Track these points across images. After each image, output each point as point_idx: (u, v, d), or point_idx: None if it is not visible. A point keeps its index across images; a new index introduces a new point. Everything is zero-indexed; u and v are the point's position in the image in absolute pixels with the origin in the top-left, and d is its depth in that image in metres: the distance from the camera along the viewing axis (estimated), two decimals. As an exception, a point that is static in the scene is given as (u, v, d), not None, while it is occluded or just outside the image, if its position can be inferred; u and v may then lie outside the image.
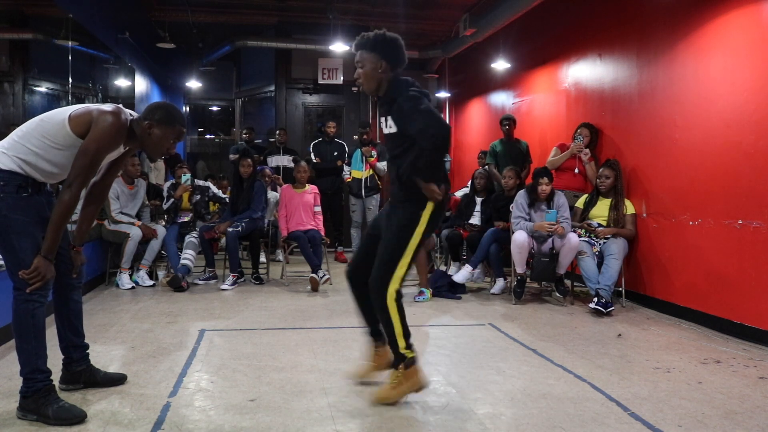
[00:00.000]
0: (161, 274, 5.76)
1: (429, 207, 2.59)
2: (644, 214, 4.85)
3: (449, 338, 3.74)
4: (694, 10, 4.31)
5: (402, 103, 2.55)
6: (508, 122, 6.37)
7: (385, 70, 2.63)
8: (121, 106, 2.49)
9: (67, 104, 4.98)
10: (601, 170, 4.99)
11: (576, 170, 5.40)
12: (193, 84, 9.77)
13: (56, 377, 2.58)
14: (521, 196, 4.98)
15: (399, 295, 2.60)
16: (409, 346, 2.62)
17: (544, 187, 4.84)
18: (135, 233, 5.29)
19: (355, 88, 8.60)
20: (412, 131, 2.52)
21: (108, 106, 2.43)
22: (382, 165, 6.89)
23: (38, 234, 2.37)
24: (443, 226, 5.84)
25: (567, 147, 5.46)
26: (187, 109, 11.08)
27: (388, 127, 2.66)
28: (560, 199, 4.89)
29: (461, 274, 5.18)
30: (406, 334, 2.61)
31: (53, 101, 5.16)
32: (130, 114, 2.52)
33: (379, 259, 2.62)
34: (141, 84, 7.90)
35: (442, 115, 2.57)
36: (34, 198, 2.40)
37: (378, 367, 2.84)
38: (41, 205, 2.44)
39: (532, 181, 4.93)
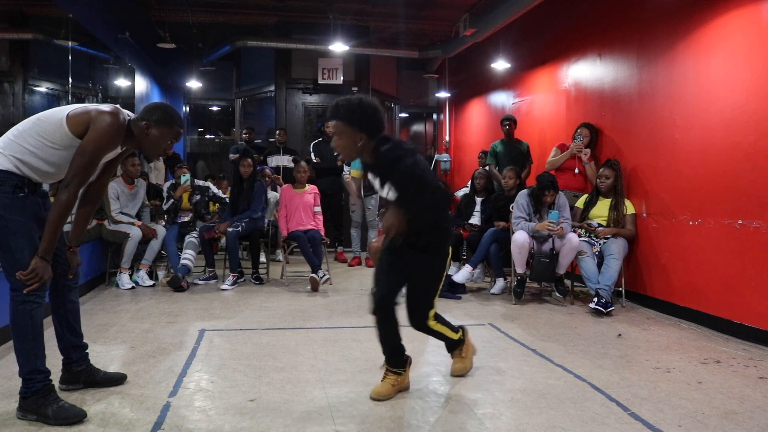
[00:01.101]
0: (161, 274, 5.76)
1: (449, 252, 2.84)
2: (644, 214, 4.85)
3: (449, 338, 3.74)
4: (694, 10, 4.31)
5: (403, 172, 2.48)
6: (508, 122, 6.37)
7: (364, 141, 2.53)
8: (119, 106, 2.49)
9: (67, 104, 4.97)
10: (601, 170, 4.99)
11: (576, 170, 5.40)
12: (193, 84, 9.77)
13: (56, 377, 2.58)
14: (522, 197, 4.98)
15: (436, 315, 2.90)
16: (457, 331, 3.00)
17: (548, 199, 4.83)
18: (135, 233, 5.29)
19: (355, 88, 8.60)
20: (414, 200, 2.52)
21: (106, 107, 2.42)
22: None
23: (35, 234, 2.37)
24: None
25: (567, 147, 5.46)
26: (187, 109, 11.07)
27: (386, 191, 2.62)
28: (560, 199, 4.89)
29: (461, 274, 5.18)
30: (453, 330, 2.98)
31: (53, 101, 5.16)
32: (128, 114, 2.52)
33: (417, 301, 2.83)
34: (141, 84, 7.90)
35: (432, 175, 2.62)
36: (30, 198, 2.40)
37: (398, 389, 2.79)
38: (37, 205, 2.43)
39: (537, 189, 4.88)
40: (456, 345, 3.03)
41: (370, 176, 2.76)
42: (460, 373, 3.02)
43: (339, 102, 2.56)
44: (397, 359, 2.78)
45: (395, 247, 2.71)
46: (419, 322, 2.83)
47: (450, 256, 2.87)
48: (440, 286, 2.85)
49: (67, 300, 2.65)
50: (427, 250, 2.73)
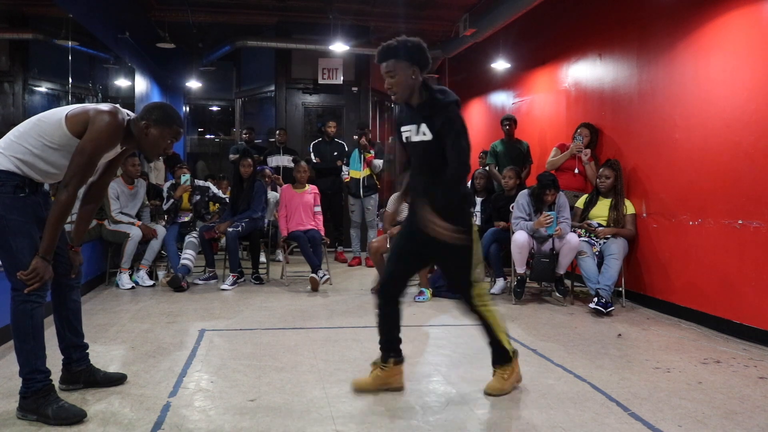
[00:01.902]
0: (161, 274, 5.76)
1: (474, 228, 2.73)
2: (644, 214, 4.85)
3: (449, 338, 3.74)
4: (694, 10, 4.31)
5: (453, 122, 2.60)
6: (508, 122, 6.37)
7: (417, 75, 2.66)
8: (118, 106, 2.49)
9: (67, 104, 4.98)
10: (601, 170, 4.99)
11: (576, 170, 5.40)
12: (193, 84, 9.77)
13: (56, 377, 2.58)
14: (522, 197, 4.98)
15: (489, 300, 2.76)
16: (510, 344, 2.82)
17: (549, 198, 4.83)
18: (135, 233, 5.29)
19: (355, 88, 8.60)
20: (449, 152, 2.60)
21: (105, 106, 2.42)
22: (378, 162, 6.91)
23: (35, 234, 2.37)
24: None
25: (567, 147, 5.46)
26: (187, 109, 11.07)
27: (420, 134, 2.67)
28: (561, 199, 4.89)
29: (461, 274, 5.17)
30: (507, 335, 2.82)
31: (53, 101, 5.16)
32: (128, 114, 2.52)
33: (455, 281, 2.80)
34: (141, 84, 7.90)
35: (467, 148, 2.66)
36: (31, 198, 2.40)
37: (384, 384, 2.78)
38: (38, 205, 2.44)
39: (538, 188, 4.88)
40: (504, 358, 2.81)
41: (404, 128, 2.75)
42: (495, 392, 2.77)
43: (390, 44, 2.66)
44: (385, 353, 2.79)
45: (412, 231, 2.72)
46: (466, 303, 2.75)
47: (475, 235, 2.75)
48: (474, 261, 2.72)
49: (68, 299, 2.65)
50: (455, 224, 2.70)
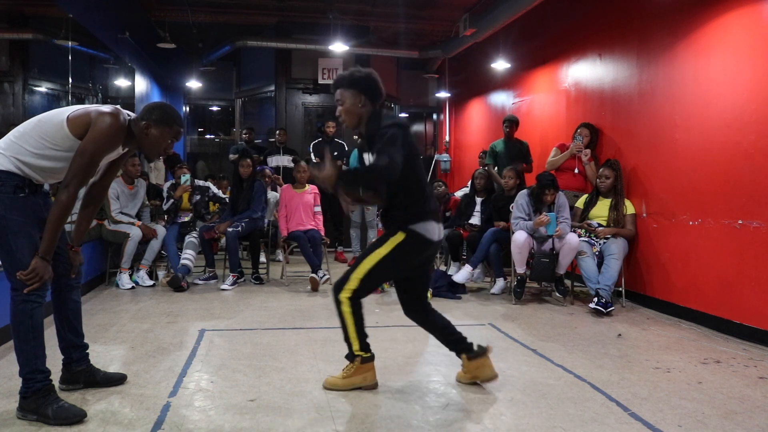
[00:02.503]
0: (161, 274, 5.76)
1: (399, 236, 2.68)
2: (644, 214, 4.85)
3: (449, 338, 3.74)
4: (694, 10, 4.31)
5: (385, 134, 2.55)
6: (509, 123, 6.36)
7: (365, 104, 2.70)
8: (119, 107, 2.49)
9: (67, 104, 4.98)
10: (601, 170, 4.99)
11: (576, 170, 5.40)
12: (193, 84, 9.77)
13: (56, 377, 2.58)
14: (521, 197, 4.98)
15: (353, 302, 2.72)
16: (364, 348, 2.79)
17: (548, 198, 4.84)
18: (135, 233, 5.29)
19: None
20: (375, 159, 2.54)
21: (106, 107, 2.42)
22: None
23: (35, 234, 2.37)
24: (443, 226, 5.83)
25: (567, 147, 5.47)
26: (187, 109, 11.07)
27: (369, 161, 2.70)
28: (560, 199, 4.89)
29: (461, 274, 5.18)
30: (361, 336, 2.78)
31: (53, 101, 5.16)
32: (128, 114, 2.52)
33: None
34: (141, 84, 7.90)
35: (396, 160, 2.50)
36: (31, 199, 2.40)
37: (476, 377, 2.88)
38: (38, 205, 2.44)
39: (537, 188, 4.89)
40: (352, 356, 2.80)
41: (365, 155, 2.76)
42: (330, 385, 2.81)
43: (341, 74, 2.77)
44: (464, 351, 2.89)
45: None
46: (332, 293, 2.75)
47: (396, 245, 2.66)
48: (364, 266, 2.68)
49: (69, 299, 2.65)
50: (386, 226, 2.77)
